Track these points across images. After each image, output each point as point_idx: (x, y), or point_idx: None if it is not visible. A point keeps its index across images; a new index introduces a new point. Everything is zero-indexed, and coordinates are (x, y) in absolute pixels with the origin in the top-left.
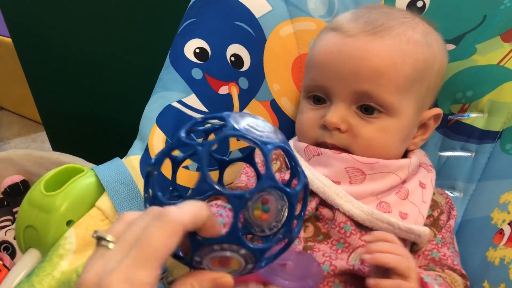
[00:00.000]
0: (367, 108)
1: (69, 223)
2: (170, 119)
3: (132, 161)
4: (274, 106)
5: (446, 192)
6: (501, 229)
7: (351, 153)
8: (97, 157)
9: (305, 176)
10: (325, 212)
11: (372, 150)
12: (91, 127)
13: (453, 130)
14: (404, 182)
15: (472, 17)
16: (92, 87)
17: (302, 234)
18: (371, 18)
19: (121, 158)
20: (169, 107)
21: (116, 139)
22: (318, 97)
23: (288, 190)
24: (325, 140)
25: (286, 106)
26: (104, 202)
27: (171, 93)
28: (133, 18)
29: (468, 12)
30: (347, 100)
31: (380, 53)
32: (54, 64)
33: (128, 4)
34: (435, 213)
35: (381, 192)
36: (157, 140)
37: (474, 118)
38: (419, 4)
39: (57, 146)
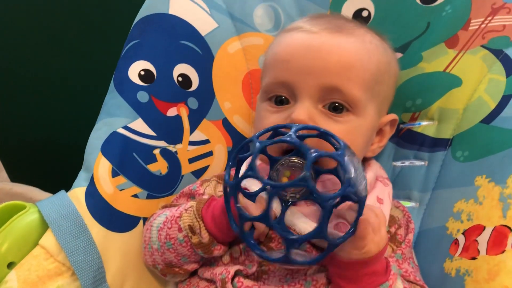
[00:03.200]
0: (336, 107)
1: (11, 265)
2: (116, 147)
3: (77, 193)
4: (226, 125)
5: (402, 203)
6: (456, 239)
7: None
8: (56, 185)
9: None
10: None
11: None
12: (49, 155)
13: (405, 139)
14: None
15: (417, 24)
16: (47, 113)
17: (256, 257)
18: (331, 21)
19: None
20: (114, 133)
21: (75, 166)
22: (281, 99)
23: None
24: None
25: (239, 124)
26: (48, 239)
27: (116, 119)
28: (80, 41)
29: (413, 20)
30: (314, 97)
31: (348, 48)
32: (2, 89)
33: (75, 27)
34: (392, 229)
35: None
36: (102, 169)
37: (424, 126)
38: (365, 13)
39: (14, 175)
